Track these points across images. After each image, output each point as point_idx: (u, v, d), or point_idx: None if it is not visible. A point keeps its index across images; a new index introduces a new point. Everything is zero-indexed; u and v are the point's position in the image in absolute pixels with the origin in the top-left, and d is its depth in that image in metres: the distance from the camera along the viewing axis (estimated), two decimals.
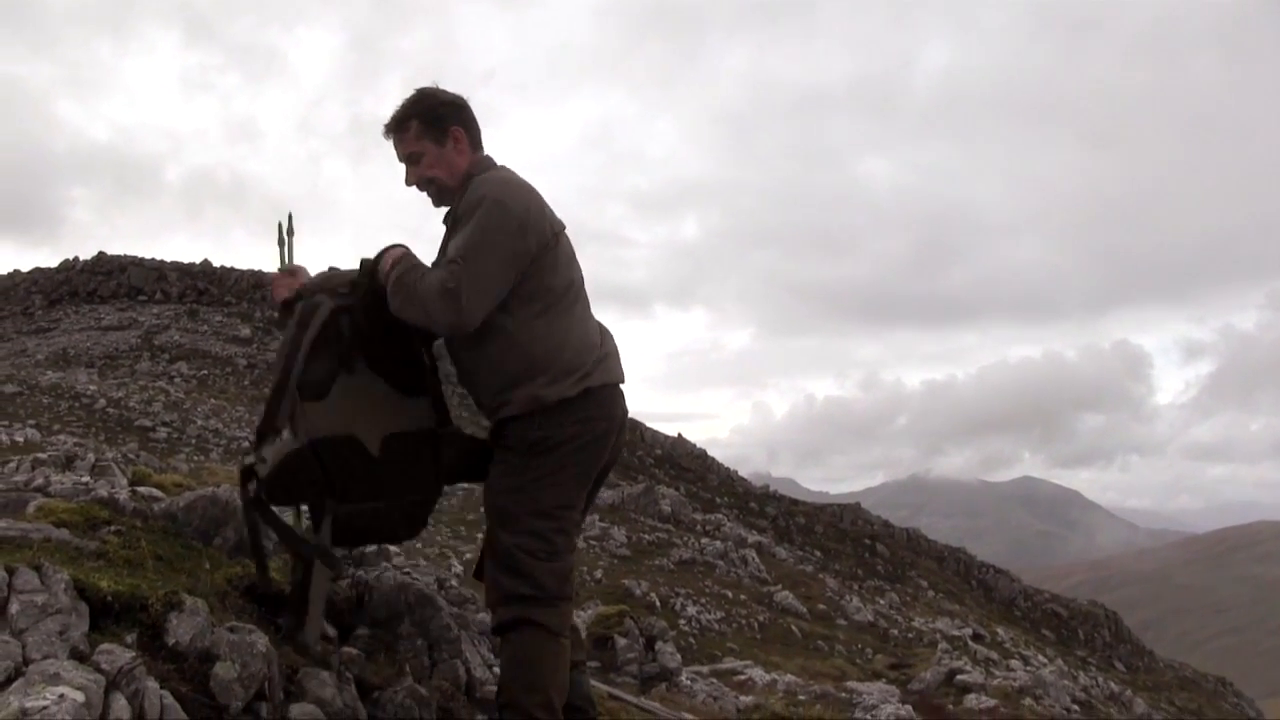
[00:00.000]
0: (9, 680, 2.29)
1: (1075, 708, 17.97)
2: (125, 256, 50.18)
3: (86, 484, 4.47)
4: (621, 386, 3.44)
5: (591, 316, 3.45)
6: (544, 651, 3.11)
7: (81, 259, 50.36)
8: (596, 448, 3.29)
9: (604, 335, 3.48)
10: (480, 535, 19.36)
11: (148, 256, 50.43)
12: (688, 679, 5.58)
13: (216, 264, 52.11)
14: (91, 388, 29.62)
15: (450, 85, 3.45)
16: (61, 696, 2.14)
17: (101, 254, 50.11)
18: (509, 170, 3.42)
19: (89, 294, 47.32)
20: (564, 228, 3.40)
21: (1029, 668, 22.10)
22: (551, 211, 3.38)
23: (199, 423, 27.89)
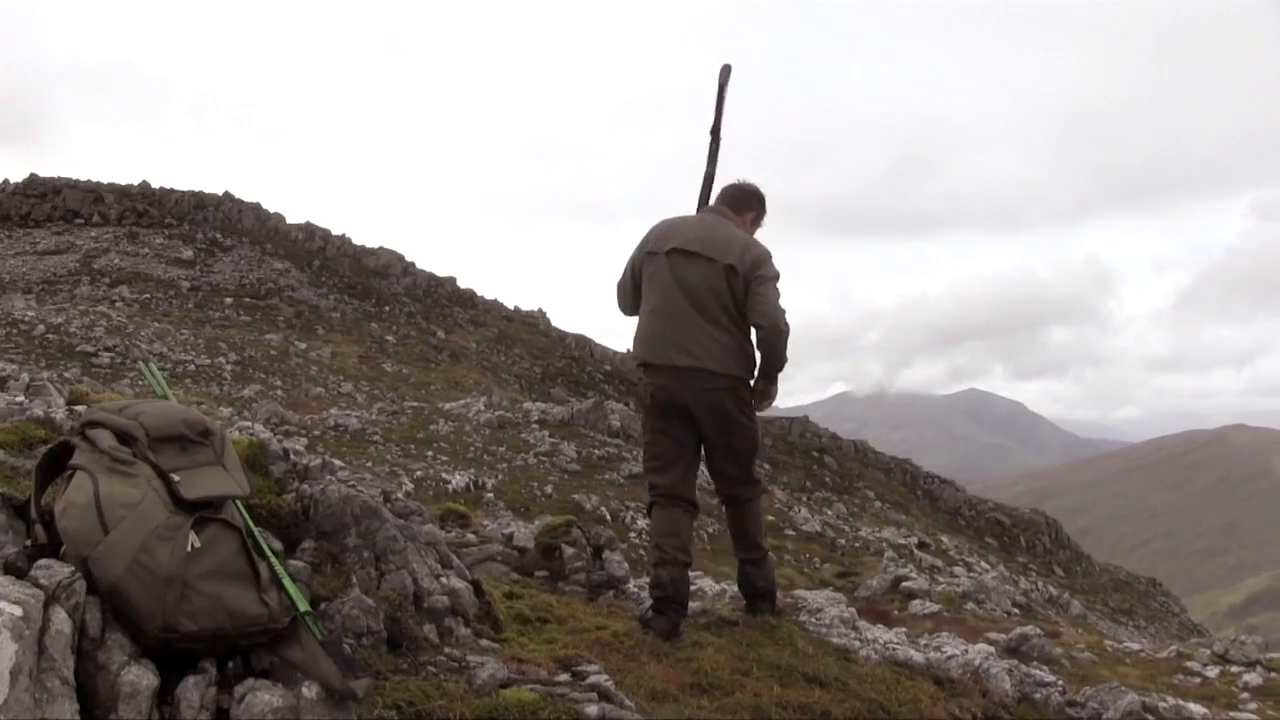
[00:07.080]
0: None
1: (1015, 611, 18.54)
2: (60, 178, 48.65)
3: (21, 404, 4.39)
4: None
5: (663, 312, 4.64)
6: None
7: (12, 181, 48.79)
8: None
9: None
10: (430, 454, 19.26)
11: (83, 178, 49.00)
12: (635, 588, 5.67)
13: (155, 185, 50.80)
14: (29, 314, 29.00)
15: None
16: None
17: (34, 176, 48.50)
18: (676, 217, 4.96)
19: (22, 218, 45.87)
20: (657, 250, 4.72)
21: (972, 574, 22.75)
22: (654, 238, 4.79)
23: (143, 347, 27.48)
